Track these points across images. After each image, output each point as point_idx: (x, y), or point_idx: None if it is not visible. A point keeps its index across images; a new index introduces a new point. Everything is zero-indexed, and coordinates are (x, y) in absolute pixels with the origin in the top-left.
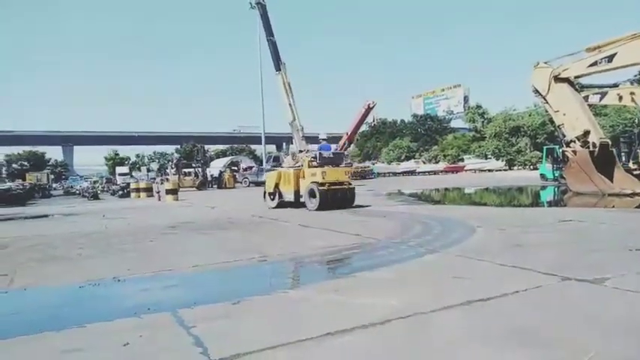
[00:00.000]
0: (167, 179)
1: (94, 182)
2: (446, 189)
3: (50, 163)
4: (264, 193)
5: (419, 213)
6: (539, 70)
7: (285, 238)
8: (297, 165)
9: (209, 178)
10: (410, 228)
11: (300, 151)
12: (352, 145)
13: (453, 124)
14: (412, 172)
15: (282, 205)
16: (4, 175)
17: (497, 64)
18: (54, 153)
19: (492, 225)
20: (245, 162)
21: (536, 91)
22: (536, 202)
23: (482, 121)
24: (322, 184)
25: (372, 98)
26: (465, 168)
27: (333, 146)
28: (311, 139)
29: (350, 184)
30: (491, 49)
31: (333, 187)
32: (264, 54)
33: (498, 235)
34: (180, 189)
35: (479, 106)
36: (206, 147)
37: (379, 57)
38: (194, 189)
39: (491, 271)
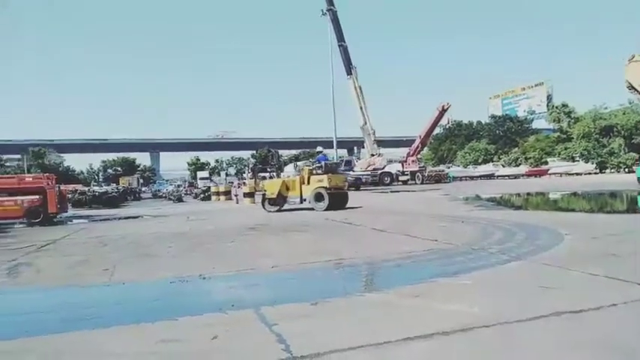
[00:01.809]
0: (244, 183)
1: (178, 186)
2: (528, 194)
3: (140, 168)
4: (263, 199)
5: (499, 218)
6: (635, 64)
7: (360, 241)
8: (367, 168)
9: None
10: (490, 234)
11: (372, 155)
12: (425, 149)
13: (535, 124)
14: (490, 176)
15: (281, 210)
16: (100, 180)
17: (585, 59)
18: (143, 159)
19: (583, 232)
20: None
21: (631, 87)
22: (633, 208)
23: (569, 121)
24: (329, 189)
25: (447, 100)
26: (549, 171)
27: (404, 149)
28: (383, 143)
29: (345, 188)
30: (578, 42)
31: (336, 190)
32: (335, 59)
33: (590, 243)
34: (257, 192)
35: (564, 105)
36: (279, 152)
37: (453, 56)
38: None
39: (582, 282)
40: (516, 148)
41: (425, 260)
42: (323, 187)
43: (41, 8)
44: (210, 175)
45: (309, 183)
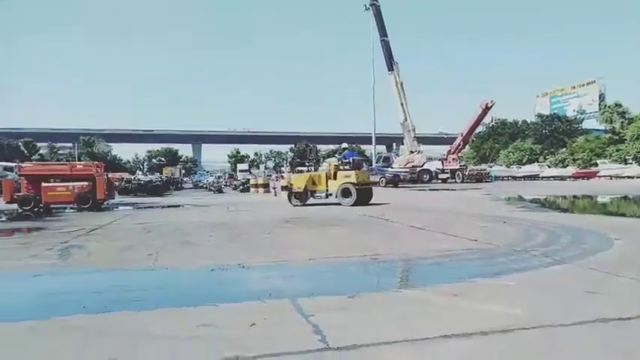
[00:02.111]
0: (282, 176)
1: (219, 177)
2: (575, 196)
3: (182, 159)
4: (289, 193)
5: (543, 220)
6: None
7: (396, 238)
8: (406, 165)
9: None
10: (533, 236)
11: (411, 152)
12: (467, 147)
13: (585, 124)
14: (534, 177)
15: (306, 204)
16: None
17: None
18: (185, 150)
19: (634, 237)
20: None
21: None
22: None
23: (622, 122)
24: (356, 184)
25: (491, 97)
26: (599, 174)
27: (444, 147)
28: (423, 140)
29: (370, 184)
30: (633, 39)
31: (363, 186)
32: (376, 55)
33: None
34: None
35: (618, 105)
36: (318, 146)
37: (499, 53)
38: None
39: (631, 289)
40: (564, 149)
41: (464, 259)
42: (351, 182)
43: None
44: (250, 167)
45: (335, 178)
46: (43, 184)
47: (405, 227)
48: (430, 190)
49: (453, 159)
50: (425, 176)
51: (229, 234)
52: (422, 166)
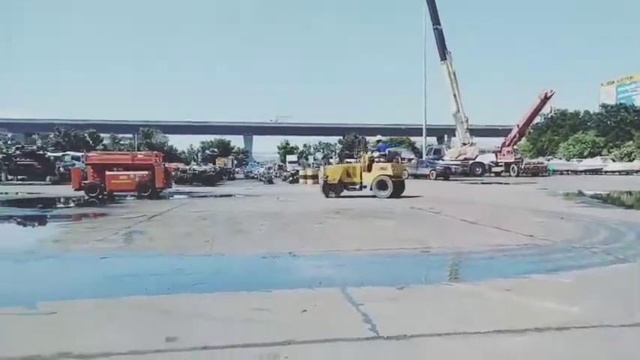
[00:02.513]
0: None
1: (269, 168)
2: None
3: (234, 150)
4: (324, 184)
5: (604, 217)
6: None
7: (447, 231)
8: (458, 158)
9: None
10: (593, 232)
11: (464, 144)
12: (523, 139)
13: None
14: (597, 171)
15: (340, 196)
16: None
17: None
18: (237, 141)
19: None
20: (404, 154)
21: None
22: None
23: None
24: (392, 177)
25: (551, 87)
26: None
27: (499, 139)
28: (476, 132)
29: (403, 177)
30: None
31: (397, 179)
32: (428, 44)
33: None
34: None
35: None
36: (367, 138)
37: (560, 39)
38: None
39: None
40: (630, 142)
41: (519, 255)
42: (387, 174)
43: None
44: (299, 159)
45: (370, 170)
46: (107, 173)
47: (457, 221)
48: (482, 183)
49: (508, 151)
50: (477, 169)
51: (280, 223)
52: (474, 158)
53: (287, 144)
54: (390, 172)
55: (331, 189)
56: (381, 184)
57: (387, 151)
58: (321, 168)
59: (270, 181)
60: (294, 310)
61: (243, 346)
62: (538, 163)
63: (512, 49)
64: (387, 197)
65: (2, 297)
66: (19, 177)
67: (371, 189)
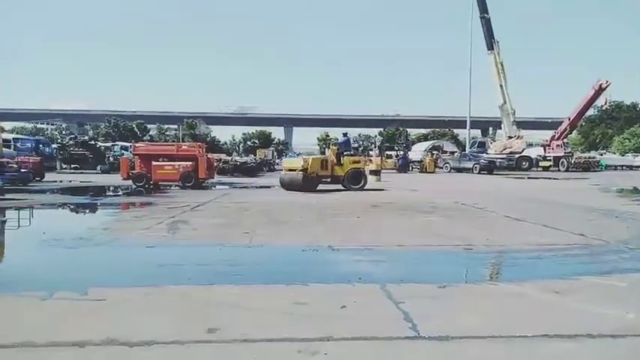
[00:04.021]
0: (370, 160)
1: None
2: None
3: (274, 141)
4: (304, 177)
5: None
6: None
7: (492, 228)
8: (503, 151)
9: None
10: None
11: (510, 137)
12: (574, 132)
13: None
14: None
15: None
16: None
17: None
18: (278, 133)
19: None
20: (447, 147)
21: None
22: None
23: None
24: (362, 170)
25: (605, 77)
26: None
27: (547, 132)
28: (523, 124)
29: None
30: None
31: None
32: (474, 33)
33: None
34: (382, 170)
35: None
36: (408, 130)
37: (617, 25)
38: (395, 171)
39: None
40: None
41: (568, 255)
42: (358, 167)
43: None
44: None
45: (341, 163)
46: (154, 163)
47: (501, 217)
48: (529, 178)
49: (558, 145)
50: (524, 163)
51: (318, 215)
52: (521, 152)
53: (327, 135)
54: (361, 165)
55: (310, 182)
56: (354, 176)
57: (356, 144)
58: (299, 158)
59: None
60: (333, 306)
61: (282, 340)
62: (590, 158)
63: (564, 36)
64: (359, 189)
65: (58, 283)
66: (72, 166)
67: (343, 181)
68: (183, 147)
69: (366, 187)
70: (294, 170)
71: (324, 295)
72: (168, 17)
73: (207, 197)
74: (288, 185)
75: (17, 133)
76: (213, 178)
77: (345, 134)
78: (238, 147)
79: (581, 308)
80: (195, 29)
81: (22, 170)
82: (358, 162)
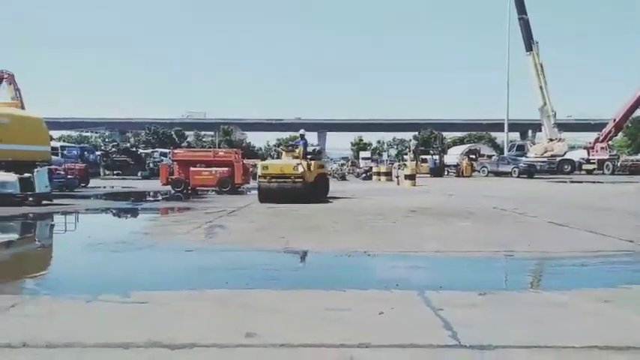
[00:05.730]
0: (405, 165)
1: (342, 165)
2: None
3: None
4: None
5: None
6: None
7: (534, 234)
8: (544, 154)
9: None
10: None
11: (551, 140)
12: (620, 134)
13: None
14: None
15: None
16: (275, 156)
17: None
18: (311, 138)
19: None
20: (484, 150)
21: None
22: None
23: None
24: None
25: None
26: None
27: (590, 134)
28: (565, 126)
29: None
30: None
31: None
32: (513, 34)
33: None
34: (417, 175)
35: None
36: (443, 134)
37: None
38: (429, 176)
39: None
40: None
41: (616, 262)
42: (324, 173)
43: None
44: (372, 155)
45: (310, 169)
46: (191, 169)
47: (543, 223)
48: (571, 182)
49: (602, 148)
50: (566, 167)
51: (354, 221)
52: (563, 155)
53: (360, 140)
54: (326, 170)
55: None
56: (322, 185)
57: (320, 148)
58: (294, 160)
59: (343, 178)
60: (370, 312)
61: (319, 346)
62: (637, 161)
63: (608, 36)
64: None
65: (102, 286)
66: (115, 172)
67: (309, 191)
68: (220, 153)
69: (401, 192)
70: (286, 177)
71: (360, 302)
72: (204, 29)
73: (243, 202)
74: (272, 196)
75: (64, 141)
76: (248, 183)
77: (302, 135)
78: (273, 152)
79: (630, 319)
80: (231, 40)
81: (69, 177)
82: (322, 166)
